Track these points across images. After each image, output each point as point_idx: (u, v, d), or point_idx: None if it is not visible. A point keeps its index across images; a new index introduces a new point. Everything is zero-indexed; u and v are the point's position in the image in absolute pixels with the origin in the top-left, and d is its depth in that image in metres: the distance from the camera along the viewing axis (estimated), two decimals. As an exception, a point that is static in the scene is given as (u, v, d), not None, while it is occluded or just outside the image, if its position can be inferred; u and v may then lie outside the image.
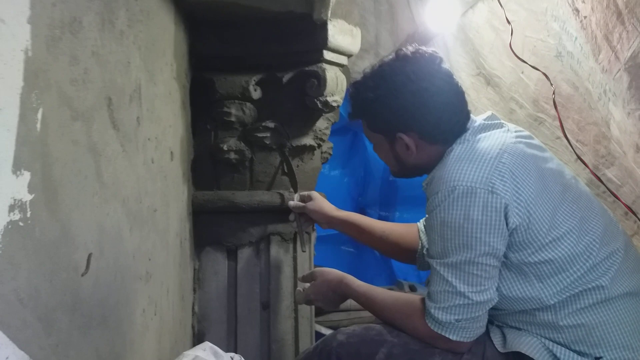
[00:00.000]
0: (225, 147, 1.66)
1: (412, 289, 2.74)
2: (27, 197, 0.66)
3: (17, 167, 0.64)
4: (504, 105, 1.84)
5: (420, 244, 1.50)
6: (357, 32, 1.71)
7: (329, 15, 1.53)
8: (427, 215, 1.22)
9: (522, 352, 1.15)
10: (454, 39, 2.08)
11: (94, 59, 0.88)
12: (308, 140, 1.76)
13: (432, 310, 1.15)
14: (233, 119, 1.66)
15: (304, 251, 1.73)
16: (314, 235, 1.87)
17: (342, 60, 1.70)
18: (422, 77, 1.22)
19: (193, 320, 1.67)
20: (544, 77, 1.53)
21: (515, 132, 1.25)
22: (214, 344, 1.19)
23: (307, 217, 1.65)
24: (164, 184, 1.30)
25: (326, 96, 1.63)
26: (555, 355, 1.15)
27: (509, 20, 1.63)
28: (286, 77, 1.65)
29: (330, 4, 1.44)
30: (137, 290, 1.09)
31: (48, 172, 0.71)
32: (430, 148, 1.25)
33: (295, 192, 1.70)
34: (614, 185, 1.44)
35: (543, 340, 1.16)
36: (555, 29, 1.49)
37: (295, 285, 1.73)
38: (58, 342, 0.73)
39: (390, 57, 1.28)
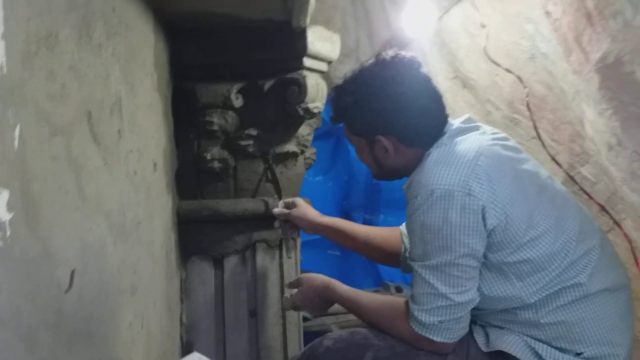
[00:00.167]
0: (208, 156, 1.66)
1: (398, 290, 2.75)
2: (6, 216, 0.65)
3: (-5, 186, 0.63)
4: (480, 107, 1.86)
5: (403, 247, 1.52)
6: (336, 38, 1.72)
7: (308, 22, 1.53)
8: (407, 219, 1.24)
9: (505, 350, 1.17)
10: (430, 43, 2.10)
11: (72, 73, 0.87)
12: (291, 147, 1.76)
13: (416, 313, 1.17)
14: (216, 127, 1.65)
15: (289, 257, 1.73)
16: (299, 241, 1.88)
17: (322, 66, 1.71)
18: (400, 82, 1.24)
19: (181, 330, 1.66)
20: (518, 79, 1.55)
21: (492, 134, 1.27)
22: (202, 353, 1.18)
23: (292, 224, 1.65)
24: (147, 196, 1.29)
25: (307, 103, 1.63)
26: (537, 353, 1.17)
27: (484, 24, 1.65)
28: (267, 85, 1.65)
29: (309, 11, 1.45)
30: (122, 304, 1.08)
31: (27, 189, 0.71)
32: (408, 151, 1.28)
33: (280, 198, 1.70)
34: (589, 182, 1.46)
35: (525, 338, 1.18)
36: (529, 31, 1.52)
37: (282, 292, 1.73)
38: (42, 360, 0.73)
39: (370, 61, 1.30)
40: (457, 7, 1.87)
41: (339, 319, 2.41)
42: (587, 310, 1.16)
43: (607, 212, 1.44)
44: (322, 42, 1.65)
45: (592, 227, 1.26)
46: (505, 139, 1.30)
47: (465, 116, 1.32)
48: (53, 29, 0.81)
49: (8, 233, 0.65)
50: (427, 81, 1.28)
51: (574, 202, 1.29)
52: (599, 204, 1.45)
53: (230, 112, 1.67)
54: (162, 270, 1.42)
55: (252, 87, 1.66)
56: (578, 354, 1.16)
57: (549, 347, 1.17)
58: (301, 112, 1.65)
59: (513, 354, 1.16)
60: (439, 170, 1.15)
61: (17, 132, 0.69)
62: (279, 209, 1.65)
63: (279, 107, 1.68)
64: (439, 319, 1.15)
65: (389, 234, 1.59)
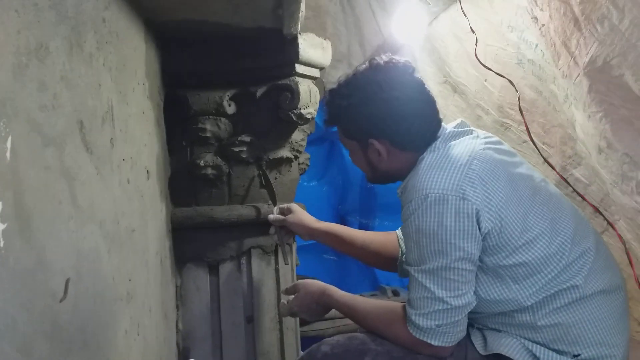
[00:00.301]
0: (202, 163, 1.66)
1: (395, 293, 2.76)
2: (0, 227, 0.66)
3: (-12, 197, 0.64)
4: (470, 112, 1.88)
5: (400, 252, 1.52)
6: (327, 45, 1.73)
7: (299, 29, 1.55)
8: (402, 224, 1.24)
9: (503, 353, 1.17)
10: (420, 48, 2.12)
11: (63, 83, 0.88)
12: (285, 153, 1.77)
13: (413, 317, 1.17)
14: (208, 134, 1.66)
15: (286, 264, 1.74)
16: (294, 246, 1.88)
17: (314, 72, 1.72)
18: (393, 86, 1.25)
19: (177, 337, 1.66)
20: (507, 83, 1.57)
21: (485, 138, 1.28)
22: (199, 360, 1.19)
23: (288, 230, 1.66)
24: (141, 204, 1.29)
25: (300, 109, 1.64)
26: (535, 355, 1.17)
27: (473, 29, 1.66)
28: (260, 92, 1.66)
29: (300, 19, 1.46)
30: (118, 312, 1.08)
31: (20, 200, 0.71)
32: (401, 155, 1.28)
33: (275, 205, 1.71)
34: (582, 184, 1.47)
35: (522, 340, 1.19)
36: (513, 40, 1.53)
37: (278, 298, 1.73)
38: (38, 370, 0.73)
39: (364, 66, 1.31)
40: (445, 13, 1.89)
41: (336, 323, 2.42)
42: (584, 312, 1.16)
43: (600, 213, 1.45)
44: (313, 48, 1.66)
45: (587, 229, 1.27)
46: (498, 142, 1.30)
47: (459, 120, 1.33)
48: (43, 40, 0.81)
49: (2, 244, 0.65)
50: (420, 86, 1.29)
51: (568, 204, 1.30)
52: (593, 206, 1.46)
53: (223, 119, 1.67)
54: (157, 277, 1.42)
55: (245, 93, 1.67)
56: (575, 356, 1.16)
57: (546, 350, 1.17)
58: (294, 118, 1.66)
59: (511, 357, 1.17)
60: (432, 174, 1.16)
61: (9, 144, 0.69)
62: (274, 215, 1.65)
63: (272, 114, 1.69)
64: (437, 322, 1.15)
65: (385, 238, 1.59)
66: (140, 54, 1.38)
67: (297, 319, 1.84)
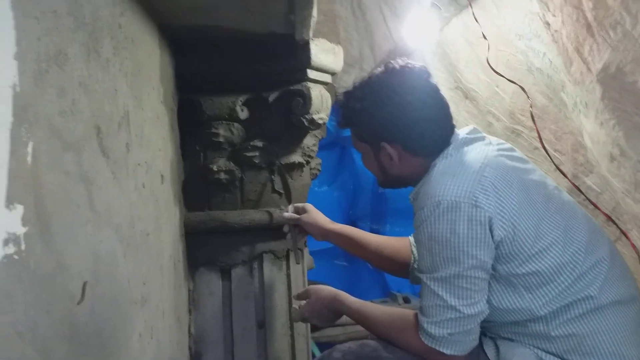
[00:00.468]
0: (215, 168, 1.68)
1: (406, 300, 2.76)
2: (21, 230, 0.67)
3: (10, 202, 0.65)
4: (481, 118, 1.87)
5: (412, 258, 1.51)
6: (339, 50, 1.74)
7: (311, 35, 1.56)
8: (415, 230, 1.24)
9: None
10: (431, 54, 2.12)
11: (81, 89, 0.89)
12: (297, 158, 1.78)
13: (425, 325, 1.16)
14: (221, 139, 1.67)
15: (298, 263, 1.73)
16: (306, 251, 1.88)
17: (326, 78, 1.73)
18: (407, 91, 1.25)
19: (190, 341, 1.67)
20: (518, 89, 1.56)
21: (497, 145, 1.27)
22: (211, 365, 1.19)
23: (301, 229, 1.64)
24: (155, 208, 1.31)
25: (312, 114, 1.65)
26: None
27: (485, 35, 1.66)
28: (272, 97, 1.67)
29: (312, 24, 1.47)
30: (133, 316, 1.09)
31: (41, 204, 0.72)
32: (413, 160, 1.28)
33: (289, 203, 1.71)
34: (594, 192, 1.46)
35: (536, 350, 1.17)
36: (521, 47, 1.53)
37: (289, 303, 1.74)
38: (56, 372, 0.74)
39: (380, 69, 1.31)
40: (457, 18, 1.89)
41: (347, 330, 2.42)
42: (599, 323, 1.14)
43: (613, 222, 1.43)
44: (325, 54, 1.67)
45: (601, 238, 1.25)
46: (511, 149, 1.29)
47: (471, 127, 1.32)
48: (62, 47, 0.83)
49: (23, 247, 0.66)
50: (435, 91, 1.29)
51: (582, 212, 1.28)
52: (605, 214, 1.45)
53: (236, 124, 1.69)
54: (170, 281, 1.43)
55: (257, 99, 1.68)
56: None
57: None
58: (306, 123, 1.66)
59: None
60: (445, 181, 1.15)
61: (30, 149, 0.70)
62: (289, 213, 1.64)
63: (284, 119, 1.70)
64: (449, 331, 1.14)
65: (399, 244, 1.58)
66: (154, 60, 1.39)
67: (308, 324, 1.84)
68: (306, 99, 1.64)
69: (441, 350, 1.16)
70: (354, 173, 3.25)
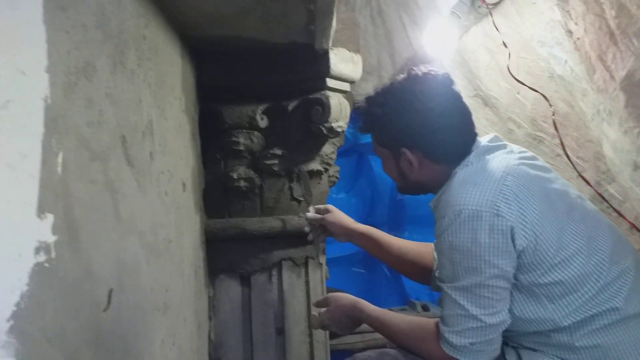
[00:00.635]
0: (235, 176, 1.69)
1: (425, 308, 2.74)
2: (51, 239, 0.69)
3: (41, 211, 0.67)
4: (502, 125, 1.86)
5: (435, 264, 1.50)
6: (357, 59, 1.75)
7: (330, 44, 1.57)
8: (435, 239, 1.23)
9: None
10: (451, 62, 2.12)
11: (108, 100, 0.91)
12: (315, 165, 1.79)
13: (446, 334, 1.15)
14: (242, 147, 1.69)
15: (320, 264, 1.71)
16: (323, 258, 1.89)
17: (345, 86, 1.74)
18: (429, 98, 1.24)
19: (210, 348, 1.68)
20: (540, 96, 1.55)
21: (519, 153, 1.26)
22: (231, 371, 1.20)
23: (324, 229, 1.62)
24: (177, 215, 1.32)
25: (331, 122, 1.66)
26: None
27: (505, 43, 1.66)
28: (291, 106, 1.69)
29: (331, 34, 1.48)
30: (155, 322, 1.11)
31: (69, 212, 0.74)
32: (433, 167, 1.27)
33: (309, 204, 1.71)
34: (616, 201, 1.44)
35: None
36: (542, 55, 1.52)
37: (308, 310, 1.74)
38: (83, 377, 0.76)
39: (403, 76, 1.31)
40: (477, 26, 1.88)
41: (365, 337, 2.41)
42: (624, 334, 1.12)
43: (638, 230, 1.41)
44: (344, 63, 1.68)
45: (626, 248, 1.22)
46: (533, 158, 1.28)
47: (492, 135, 1.31)
48: (90, 59, 0.85)
49: (53, 255, 0.68)
50: (457, 99, 1.28)
51: (606, 221, 1.26)
52: (630, 222, 1.42)
53: (256, 132, 1.70)
54: (191, 288, 1.45)
55: (277, 107, 1.70)
56: None
57: None
58: (325, 132, 1.67)
59: None
60: (466, 190, 1.14)
61: (60, 159, 0.72)
62: (312, 213, 1.62)
63: (303, 127, 1.71)
64: (470, 340, 1.13)
65: (421, 249, 1.56)
66: (177, 70, 1.41)
67: (327, 332, 1.84)
68: (325, 107, 1.66)
69: (462, 359, 1.15)
70: (372, 180, 3.25)
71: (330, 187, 1.95)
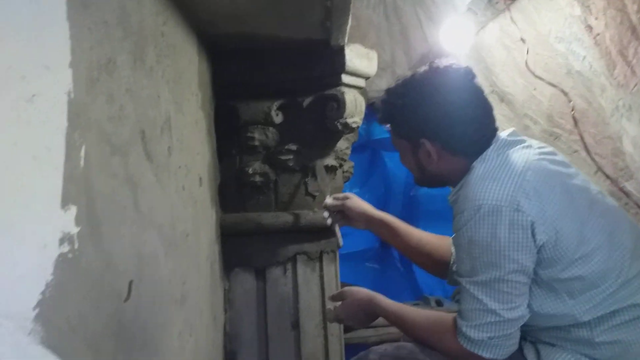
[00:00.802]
0: (250, 171, 1.71)
1: (439, 303, 2.74)
2: (75, 230, 0.70)
3: (65, 202, 0.69)
4: (518, 121, 1.85)
5: (452, 258, 1.50)
6: (373, 54, 1.76)
7: (346, 40, 1.57)
8: (454, 234, 1.23)
9: None
10: (466, 58, 2.11)
11: (128, 95, 0.93)
12: (330, 161, 1.80)
13: (464, 329, 1.15)
14: (257, 143, 1.71)
15: (340, 246, 1.71)
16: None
17: (360, 82, 1.74)
18: (450, 90, 1.24)
19: (225, 340, 1.70)
20: (557, 92, 1.54)
21: (539, 148, 1.24)
22: (247, 364, 1.22)
23: (344, 215, 1.61)
24: (194, 209, 1.34)
25: (346, 118, 1.67)
26: None
27: (523, 38, 1.65)
28: (306, 102, 1.70)
29: (347, 30, 1.49)
30: (173, 314, 1.13)
31: (92, 205, 0.76)
32: (452, 159, 1.27)
33: (328, 194, 1.72)
34: (634, 198, 1.43)
35: (578, 356, 1.15)
36: (560, 50, 1.51)
37: (323, 304, 1.76)
38: (105, 366, 0.78)
39: (424, 68, 1.31)
40: (493, 22, 1.88)
41: (379, 331, 2.42)
42: None
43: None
44: (359, 59, 1.69)
45: None
46: (552, 153, 1.27)
47: (511, 129, 1.31)
48: (111, 55, 0.87)
49: (76, 246, 0.70)
50: (478, 92, 1.27)
51: (627, 217, 1.25)
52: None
53: (271, 128, 1.72)
54: (207, 281, 1.47)
55: (292, 103, 1.71)
56: None
57: None
58: (340, 127, 1.68)
59: None
60: (485, 185, 1.14)
61: (82, 152, 0.74)
62: (331, 200, 1.61)
63: (318, 123, 1.72)
64: (489, 335, 1.13)
65: (440, 241, 1.55)
66: (193, 66, 1.43)
67: (342, 326, 1.85)
68: (340, 103, 1.66)
69: (480, 354, 1.14)
70: (385, 176, 3.25)
71: (344, 182, 1.96)
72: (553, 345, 1.19)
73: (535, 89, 1.71)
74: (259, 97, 1.70)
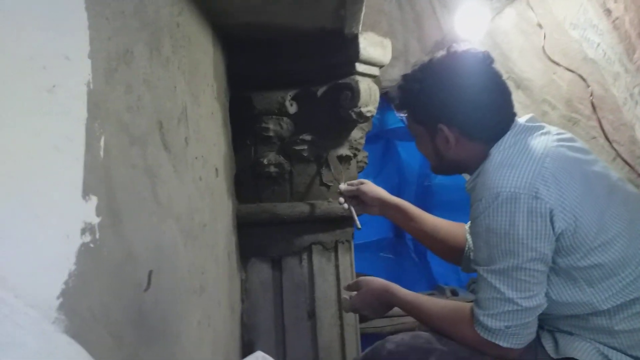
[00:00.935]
0: (265, 161, 1.71)
1: (454, 293, 2.74)
2: (96, 220, 0.71)
3: (86, 193, 0.69)
4: (535, 107, 1.84)
5: (467, 245, 1.49)
6: (387, 43, 1.74)
7: (360, 28, 1.56)
8: (470, 222, 1.22)
9: (576, 357, 1.12)
10: (480, 45, 2.09)
11: (145, 86, 0.93)
12: (344, 151, 1.80)
13: (481, 318, 1.14)
14: (271, 133, 1.70)
15: (359, 229, 1.71)
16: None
17: (374, 71, 1.73)
18: (469, 74, 1.23)
19: (242, 330, 1.71)
20: (576, 77, 1.53)
21: (557, 135, 1.23)
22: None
23: (360, 201, 1.61)
24: (211, 200, 1.35)
25: (360, 107, 1.66)
26: None
27: (540, 24, 1.63)
28: (320, 91, 1.69)
29: (361, 18, 1.48)
30: (192, 304, 1.13)
31: (112, 195, 0.76)
32: (469, 145, 1.25)
33: (341, 181, 1.72)
34: (651, 185, 1.42)
35: (597, 345, 1.14)
36: (575, 37, 1.49)
37: (338, 294, 1.76)
38: (127, 356, 0.78)
39: (442, 53, 1.30)
40: (510, 7, 1.86)
41: (394, 321, 2.42)
42: None
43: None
44: (373, 47, 1.67)
45: None
46: (571, 139, 1.25)
47: (529, 115, 1.29)
48: (129, 46, 0.87)
49: (97, 236, 0.70)
50: (497, 77, 1.26)
51: None
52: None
53: (285, 118, 1.71)
54: (225, 271, 1.47)
55: (306, 93, 1.70)
56: None
57: (623, 356, 1.11)
58: (354, 117, 1.67)
59: None
60: (504, 172, 1.13)
61: (102, 143, 0.74)
62: (345, 186, 1.61)
63: (332, 112, 1.72)
64: (506, 324, 1.12)
65: (455, 228, 1.54)
66: (209, 57, 1.43)
67: (357, 315, 1.86)
68: (354, 92, 1.65)
69: (497, 342, 1.14)
70: (399, 166, 3.24)
71: (358, 172, 1.95)
72: (571, 334, 1.18)
73: (555, 73, 1.69)
74: (273, 87, 1.70)
